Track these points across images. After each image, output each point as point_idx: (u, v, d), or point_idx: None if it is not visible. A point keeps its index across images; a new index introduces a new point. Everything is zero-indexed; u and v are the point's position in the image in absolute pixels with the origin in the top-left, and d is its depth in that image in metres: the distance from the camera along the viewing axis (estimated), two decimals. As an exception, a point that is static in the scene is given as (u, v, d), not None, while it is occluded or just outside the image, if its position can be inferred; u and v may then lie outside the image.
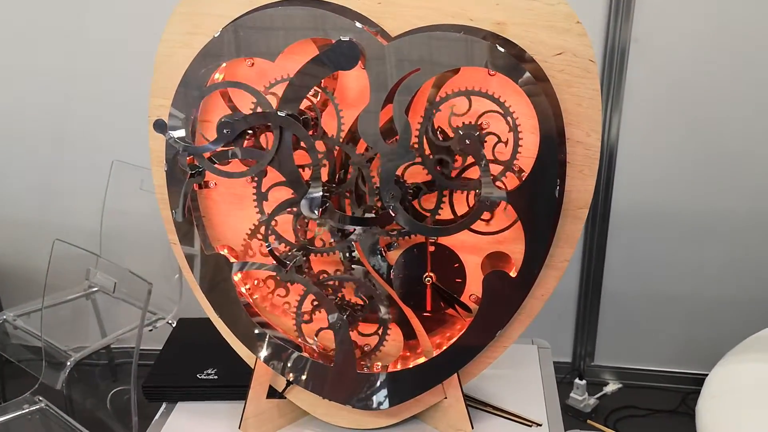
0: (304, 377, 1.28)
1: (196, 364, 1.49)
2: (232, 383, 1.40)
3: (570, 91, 1.08)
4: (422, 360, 1.24)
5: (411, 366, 1.24)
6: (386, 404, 1.27)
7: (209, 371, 1.46)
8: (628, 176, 2.69)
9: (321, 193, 1.12)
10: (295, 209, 1.20)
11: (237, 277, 1.26)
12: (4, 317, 2.84)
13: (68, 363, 2.52)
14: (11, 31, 2.78)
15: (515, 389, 1.44)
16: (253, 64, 1.17)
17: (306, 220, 1.22)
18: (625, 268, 2.84)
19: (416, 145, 1.13)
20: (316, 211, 1.12)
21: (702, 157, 2.61)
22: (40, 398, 2.46)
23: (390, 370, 1.26)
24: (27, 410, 2.42)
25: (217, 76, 1.17)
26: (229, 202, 1.25)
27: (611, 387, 2.97)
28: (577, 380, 2.84)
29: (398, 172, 1.14)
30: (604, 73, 2.55)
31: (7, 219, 3.11)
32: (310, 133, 1.13)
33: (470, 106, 1.11)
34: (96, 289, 2.87)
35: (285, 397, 1.34)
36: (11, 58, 2.82)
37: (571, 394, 2.85)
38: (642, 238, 2.79)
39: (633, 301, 2.89)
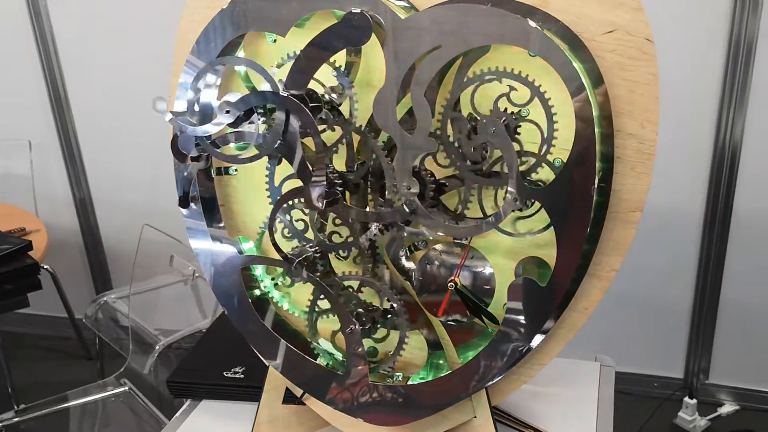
0: (314, 385, 1.17)
1: (225, 361, 1.41)
2: (258, 384, 1.30)
3: (622, 75, 0.93)
4: (445, 372, 1.09)
5: (432, 378, 1.10)
6: (404, 420, 1.13)
7: (236, 369, 1.38)
8: (753, 179, 2.50)
9: (324, 183, 1.00)
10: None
11: (250, 271, 1.17)
12: (105, 299, 2.87)
13: (156, 347, 2.51)
14: (128, 21, 2.84)
15: (566, 411, 1.28)
16: (275, 40, 1.08)
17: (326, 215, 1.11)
18: (748, 278, 2.63)
19: (438, 133, 1.00)
20: (319, 203, 1.00)
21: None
22: (126, 381, 2.46)
23: (409, 382, 1.13)
24: (111, 392, 2.42)
25: (240, 54, 1.09)
26: (248, 190, 1.16)
27: (727, 408, 2.78)
28: (686, 399, 2.67)
29: (421, 164, 1.02)
30: (727, 70, 2.38)
31: (123, 202, 3.17)
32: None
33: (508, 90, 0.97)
34: (199, 274, 2.86)
35: (304, 404, 1.22)
36: (126, 49, 2.89)
37: (680, 414, 2.70)
38: (768, 245, 2.57)
39: (756, 315, 2.67)
